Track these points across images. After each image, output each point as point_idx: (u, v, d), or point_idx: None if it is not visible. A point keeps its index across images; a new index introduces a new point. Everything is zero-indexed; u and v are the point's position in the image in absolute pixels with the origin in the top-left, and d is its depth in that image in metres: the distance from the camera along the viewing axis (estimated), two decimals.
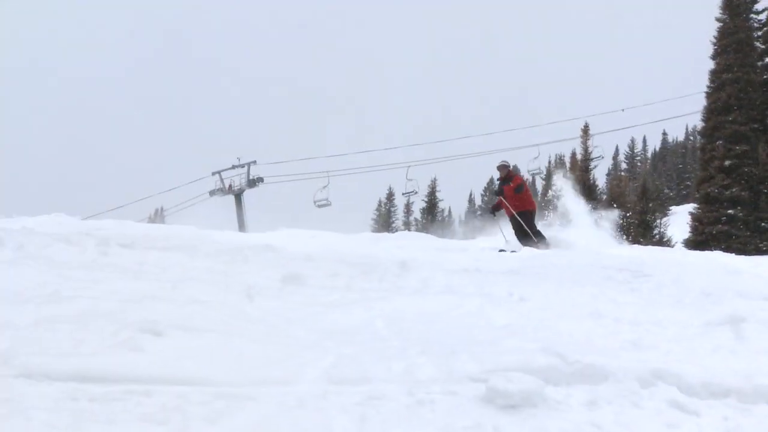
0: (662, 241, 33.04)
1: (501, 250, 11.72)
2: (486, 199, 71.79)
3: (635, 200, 38.58)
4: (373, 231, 47.47)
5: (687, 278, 6.87)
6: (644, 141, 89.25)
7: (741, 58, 28.79)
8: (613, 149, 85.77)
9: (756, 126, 28.23)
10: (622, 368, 3.49)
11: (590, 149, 36.36)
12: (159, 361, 3.23)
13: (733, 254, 12.49)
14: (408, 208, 64.49)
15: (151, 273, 5.76)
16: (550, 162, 71.28)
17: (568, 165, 56.07)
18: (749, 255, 13.61)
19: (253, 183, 32.24)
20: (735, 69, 28.60)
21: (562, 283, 6.45)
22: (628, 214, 35.20)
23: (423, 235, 12.05)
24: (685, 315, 5.12)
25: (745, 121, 28.12)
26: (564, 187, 23.79)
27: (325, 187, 28.24)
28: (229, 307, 4.57)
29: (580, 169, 37.56)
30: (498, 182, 14.42)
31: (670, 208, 50.74)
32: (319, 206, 28.47)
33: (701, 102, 30.15)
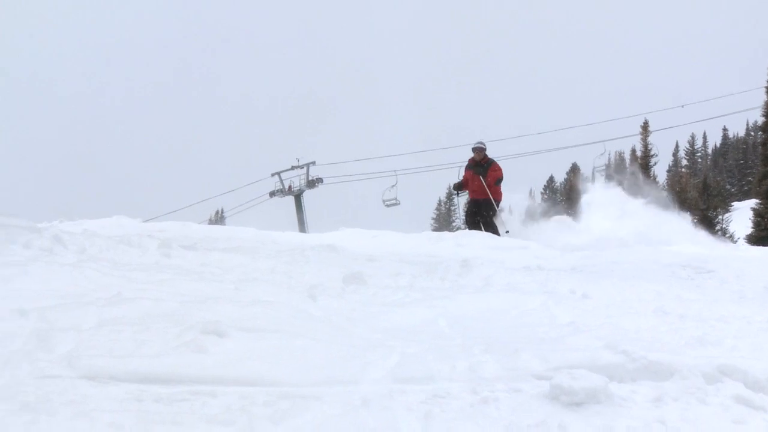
0: (725, 237, 32.25)
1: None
2: (545, 197, 70.91)
3: (696, 196, 37.80)
4: (434, 230, 47.36)
5: (750, 273, 6.71)
6: (704, 137, 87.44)
7: None
8: (673, 146, 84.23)
9: None
10: (688, 365, 3.36)
11: (650, 146, 35.89)
12: (223, 361, 3.21)
13: None
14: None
15: (213, 274, 5.81)
16: (610, 158, 70.02)
17: (627, 162, 55.02)
18: None
19: (312, 183, 32.43)
20: None
21: (626, 279, 6.31)
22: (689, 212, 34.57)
23: (484, 233, 11.91)
24: (748, 310, 4.97)
25: None
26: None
27: (393, 186, 27.86)
28: (291, 307, 4.55)
29: (641, 166, 36.99)
30: (471, 164, 14.05)
31: (732, 204, 49.29)
32: (388, 206, 28.00)
33: (762, 97, 29.53)
